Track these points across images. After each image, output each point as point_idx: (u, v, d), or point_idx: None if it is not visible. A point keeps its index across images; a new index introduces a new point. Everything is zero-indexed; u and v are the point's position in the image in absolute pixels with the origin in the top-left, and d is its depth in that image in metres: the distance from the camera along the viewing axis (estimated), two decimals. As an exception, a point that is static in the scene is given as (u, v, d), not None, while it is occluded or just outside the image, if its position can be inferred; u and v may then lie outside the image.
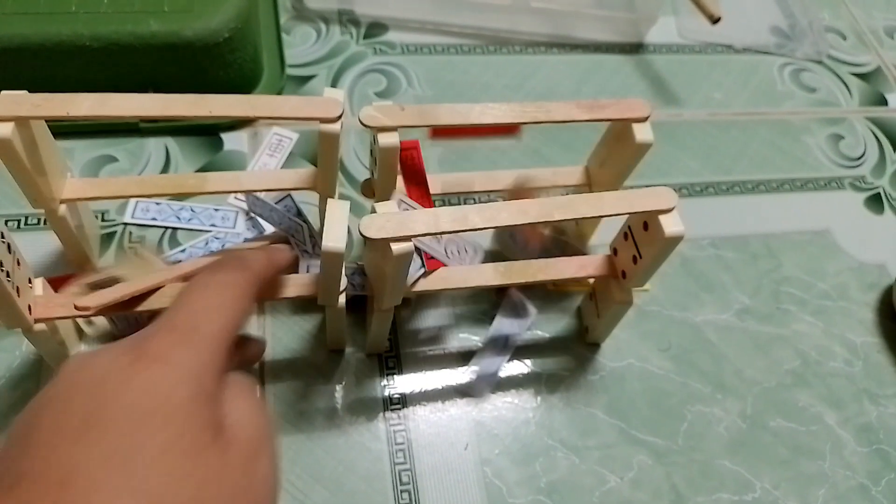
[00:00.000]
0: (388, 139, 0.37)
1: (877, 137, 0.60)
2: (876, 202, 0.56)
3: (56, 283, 0.41)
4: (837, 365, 0.47)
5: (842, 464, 0.43)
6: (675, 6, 0.66)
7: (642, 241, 0.38)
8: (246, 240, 0.46)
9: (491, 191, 0.45)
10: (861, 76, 0.65)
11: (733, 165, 0.56)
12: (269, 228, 0.46)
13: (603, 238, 0.49)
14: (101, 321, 0.41)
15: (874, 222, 0.55)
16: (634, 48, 0.63)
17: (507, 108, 0.39)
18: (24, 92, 0.34)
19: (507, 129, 0.53)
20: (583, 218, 0.36)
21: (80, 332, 0.41)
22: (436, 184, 0.44)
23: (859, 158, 0.59)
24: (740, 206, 0.54)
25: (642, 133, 0.40)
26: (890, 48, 0.68)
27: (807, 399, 0.45)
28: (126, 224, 0.46)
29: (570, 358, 0.45)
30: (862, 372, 0.47)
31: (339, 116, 0.37)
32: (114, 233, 0.45)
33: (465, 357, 0.44)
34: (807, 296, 0.50)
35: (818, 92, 0.63)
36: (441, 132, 0.52)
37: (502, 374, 0.44)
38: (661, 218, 0.35)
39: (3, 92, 0.33)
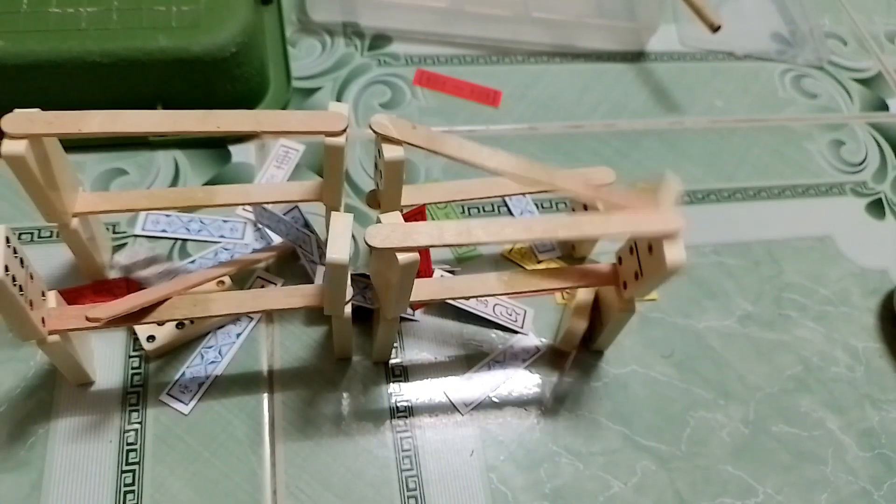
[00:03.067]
0: (394, 153, 0.38)
1: (878, 143, 0.61)
2: (877, 208, 0.57)
3: (69, 294, 0.42)
4: (839, 370, 0.48)
5: (844, 469, 0.44)
6: (676, 14, 0.66)
7: (645, 261, 0.38)
8: (254, 250, 0.46)
9: (492, 196, 0.46)
10: (862, 81, 0.65)
11: (735, 172, 0.57)
12: (276, 239, 0.47)
13: (607, 246, 0.49)
14: (162, 338, 0.42)
15: (876, 228, 0.55)
16: (636, 56, 0.63)
17: (514, 161, 0.39)
18: (37, 110, 0.35)
19: (489, 99, 0.57)
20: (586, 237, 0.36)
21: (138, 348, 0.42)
22: (439, 191, 0.45)
23: (860, 164, 0.59)
24: (742, 213, 0.54)
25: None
26: (891, 53, 0.68)
27: (809, 404, 0.46)
28: (136, 236, 0.47)
29: (573, 365, 0.45)
30: (864, 377, 0.47)
31: (344, 130, 0.37)
32: (125, 244, 0.46)
33: (469, 364, 0.45)
34: (809, 302, 0.50)
35: (819, 98, 0.63)
36: (425, 82, 0.55)
37: (506, 382, 0.44)
38: (665, 244, 0.35)
39: (17, 110, 0.34)
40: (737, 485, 0.42)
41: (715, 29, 0.58)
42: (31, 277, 0.34)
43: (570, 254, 0.50)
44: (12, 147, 0.33)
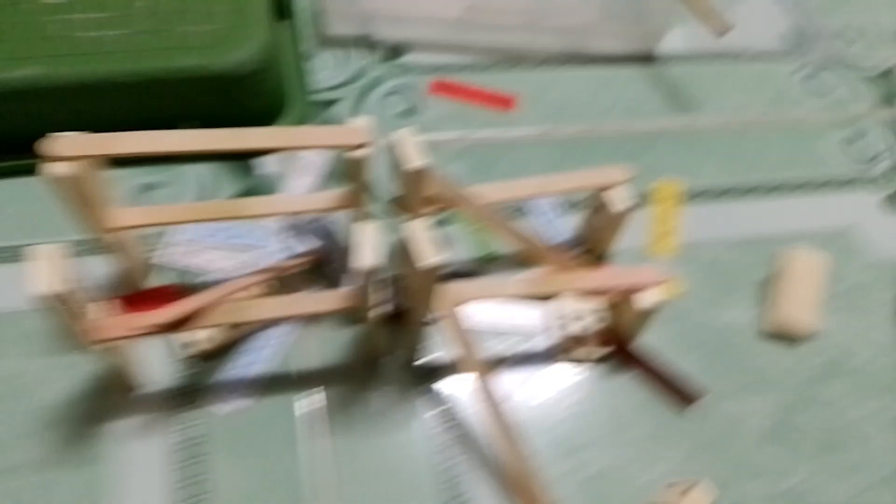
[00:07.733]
0: (417, 161, 0.39)
1: (892, 136, 0.61)
2: (893, 201, 0.57)
3: (115, 303, 0.43)
4: (863, 360, 0.48)
5: (872, 455, 0.45)
6: (686, 17, 0.67)
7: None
8: (285, 258, 0.48)
9: (515, 198, 0.48)
10: (873, 78, 0.66)
11: (750, 170, 0.57)
12: (305, 247, 0.48)
13: (625, 245, 0.50)
14: (204, 344, 0.43)
15: (892, 220, 0.56)
16: (647, 59, 0.64)
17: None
18: (77, 133, 0.36)
19: (504, 104, 0.59)
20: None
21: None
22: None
23: (874, 158, 0.60)
24: (759, 210, 0.55)
25: None
26: (901, 47, 0.69)
27: (834, 394, 0.47)
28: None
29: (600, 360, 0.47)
30: (887, 366, 0.48)
31: (365, 143, 0.39)
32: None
33: (498, 360, 0.46)
34: (828, 294, 0.51)
35: (831, 95, 0.64)
36: (440, 90, 0.59)
37: (535, 375, 0.46)
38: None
39: (58, 134, 0.36)
40: (767, 470, 0.43)
41: (721, 34, 0.59)
42: (80, 290, 0.36)
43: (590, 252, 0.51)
44: (57, 169, 0.35)
